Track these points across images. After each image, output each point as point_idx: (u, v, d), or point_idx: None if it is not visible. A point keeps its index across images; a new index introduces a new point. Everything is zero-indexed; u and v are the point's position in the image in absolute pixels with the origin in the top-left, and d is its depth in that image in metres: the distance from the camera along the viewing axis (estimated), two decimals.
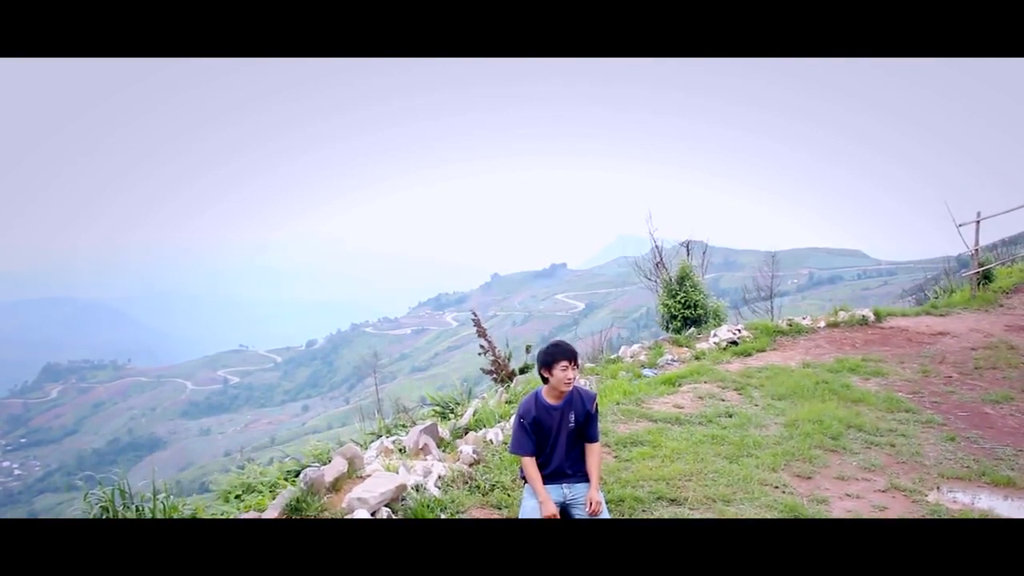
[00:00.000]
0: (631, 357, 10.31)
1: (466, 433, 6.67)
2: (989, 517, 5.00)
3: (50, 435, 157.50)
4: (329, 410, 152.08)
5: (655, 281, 12.70)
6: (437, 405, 9.46)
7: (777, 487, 5.47)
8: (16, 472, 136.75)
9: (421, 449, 5.82)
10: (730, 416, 7.35)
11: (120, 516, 5.63)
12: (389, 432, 9.04)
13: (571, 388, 4.33)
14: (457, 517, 4.84)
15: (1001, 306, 12.95)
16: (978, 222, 13.61)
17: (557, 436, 4.40)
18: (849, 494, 5.40)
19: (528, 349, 10.27)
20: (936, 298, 14.81)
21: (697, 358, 10.16)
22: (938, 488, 5.54)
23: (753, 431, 6.84)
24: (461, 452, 5.79)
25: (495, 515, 5.00)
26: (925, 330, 11.37)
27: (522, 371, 9.55)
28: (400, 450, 6.12)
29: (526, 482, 4.39)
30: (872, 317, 12.07)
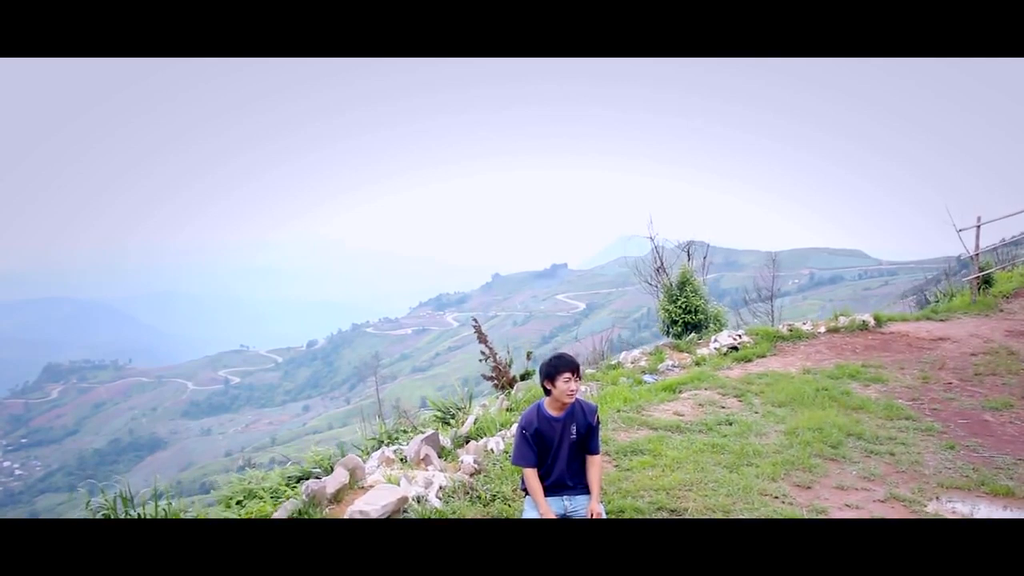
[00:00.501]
0: (632, 363, 10.33)
1: (467, 442, 6.70)
2: None
3: (51, 435, 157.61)
4: (330, 410, 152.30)
5: (656, 286, 12.72)
6: (438, 410, 9.48)
7: (777, 497, 5.49)
8: (17, 472, 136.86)
9: (422, 459, 5.85)
10: (730, 424, 7.37)
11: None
12: (390, 438, 9.07)
13: (573, 400, 4.35)
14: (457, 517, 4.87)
15: (1001, 311, 12.96)
16: (978, 227, 13.62)
17: (559, 448, 4.42)
18: (848, 504, 5.42)
19: (529, 355, 10.30)
20: (936, 302, 14.83)
21: (698, 364, 10.18)
22: (937, 498, 5.56)
23: (753, 439, 6.86)
24: (462, 462, 5.81)
25: None
26: (925, 335, 11.38)
27: (523, 377, 9.56)
28: (401, 459, 6.14)
29: (527, 493, 4.41)
30: (872, 322, 12.09)
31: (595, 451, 4.50)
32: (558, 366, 4.28)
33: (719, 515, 5.14)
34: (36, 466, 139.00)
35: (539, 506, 4.25)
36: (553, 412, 4.39)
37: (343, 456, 8.81)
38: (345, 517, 4.59)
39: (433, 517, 4.87)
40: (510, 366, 9.60)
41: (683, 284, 12.01)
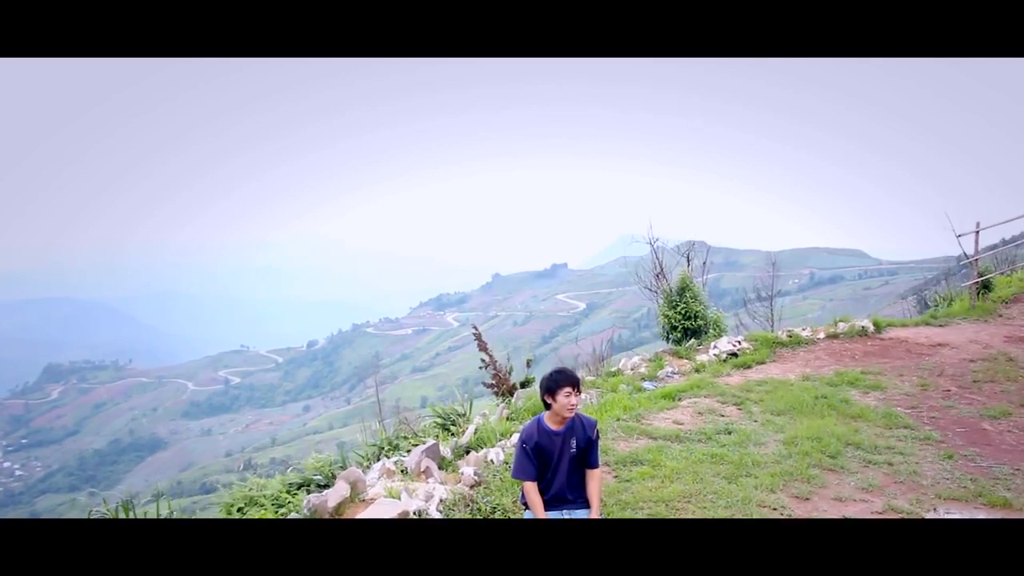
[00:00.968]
0: (631, 370, 10.36)
1: (467, 452, 6.72)
2: None
3: (51, 436, 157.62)
4: (330, 410, 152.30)
5: (655, 291, 12.76)
6: (439, 416, 9.50)
7: (775, 509, 5.52)
8: (17, 473, 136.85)
9: (423, 472, 5.88)
10: (729, 433, 7.39)
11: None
12: (391, 444, 9.10)
13: (573, 414, 4.37)
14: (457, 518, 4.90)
15: (1000, 316, 12.99)
16: (977, 232, 13.65)
17: (559, 462, 4.44)
18: (846, 516, 5.45)
19: (529, 362, 10.33)
20: (935, 307, 14.86)
21: (697, 370, 10.22)
22: (935, 509, 5.58)
23: (752, 449, 6.89)
24: (463, 474, 5.84)
25: None
26: (924, 341, 11.42)
27: (523, 385, 9.59)
28: (402, 471, 6.17)
29: (527, 507, 4.44)
30: (872, 328, 12.12)
31: (594, 465, 4.53)
32: (559, 381, 4.31)
33: None
34: (36, 466, 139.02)
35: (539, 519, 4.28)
36: (553, 426, 4.41)
37: (344, 463, 8.87)
38: None
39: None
40: (510, 373, 9.63)
41: (683, 290, 12.04)
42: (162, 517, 6.96)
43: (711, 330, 12.13)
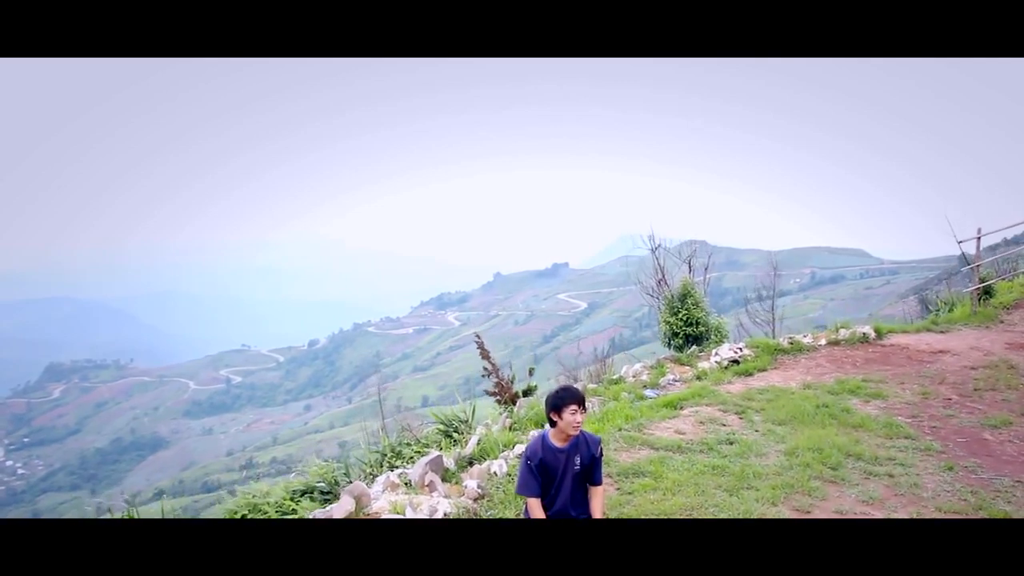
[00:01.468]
0: (633, 377, 10.40)
1: (470, 464, 6.76)
2: None
3: (53, 435, 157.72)
4: (332, 409, 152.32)
5: (657, 297, 12.79)
6: (442, 423, 9.53)
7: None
8: (20, 471, 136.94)
9: (427, 485, 5.91)
10: (731, 443, 7.43)
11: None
12: (395, 451, 9.13)
13: (578, 432, 4.41)
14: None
15: (1002, 322, 13.00)
16: (978, 238, 13.66)
17: (563, 478, 4.48)
18: None
19: (531, 371, 10.36)
20: (937, 312, 14.87)
21: (699, 378, 10.25)
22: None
23: (754, 460, 6.92)
24: (466, 487, 5.88)
25: None
26: (925, 348, 11.44)
27: (525, 393, 9.62)
28: (406, 483, 6.21)
29: None
30: (873, 334, 12.13)
31: (598, 482, 4.56)
32: (565, 398, 4.34)
33: None
34: (38, 465, 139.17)
35: None
36: (558, 443, 4.45)
37: (347, 469, 8.92)
38: None
39: None
40: (512, 382, 9.66)
41: (684, 296, 12.06)
42: (164, 518, 6.98)
43: (712, 336, 12.16)
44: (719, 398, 9.16)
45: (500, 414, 8.98)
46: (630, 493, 6.16)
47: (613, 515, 5.62)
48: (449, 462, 6.77)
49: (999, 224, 14.23)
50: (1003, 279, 15.41)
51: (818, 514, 5.78)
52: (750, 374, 10.42)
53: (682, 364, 10.97)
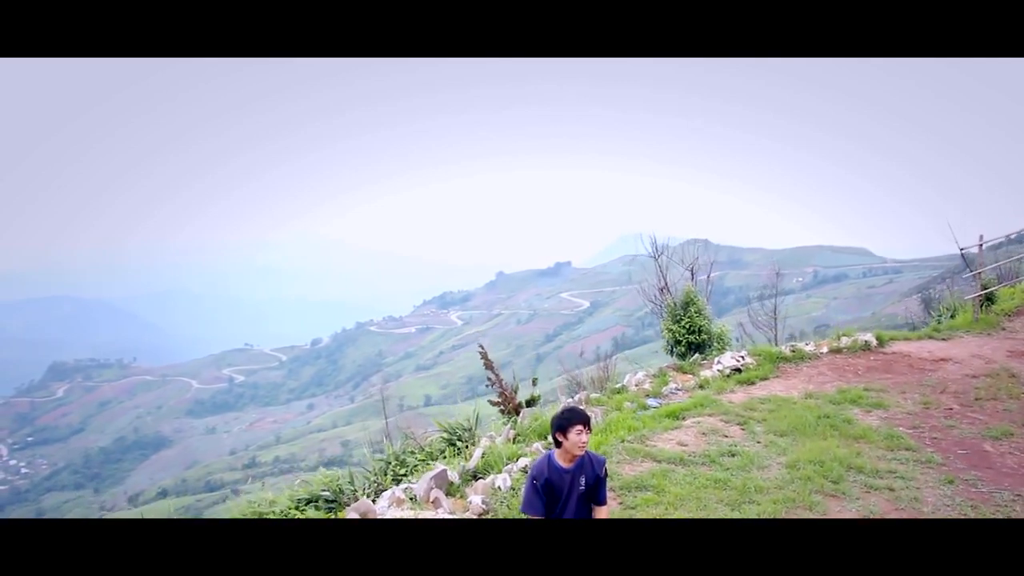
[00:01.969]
0: (636, 386, 10.45)
1: (475, 477, 6.81)
2: None
3: (56, 434, 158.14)
4: (334, 408, 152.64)
5: (660, 305, 12.84)
6: (446, 431, 9.59)
7: None
8: (23, 470, 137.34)
9: (432, 501, 5.97)
10: (733, 455, 7.48)
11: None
12: (399, 460, 9.19)
13: (583, 452, 4.46)
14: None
15: (1003, 329, 13.03)
16: (980, 245, 13.70)
17: (567, 498, 4.53)
18: None
19: (535, 382, 10.41)
20: (939, 318, 14.90)
21: (701, 387, 10.30)
22: None
23: (755, 473, 6.97)
24: (470, 502, 5.94)
25: None
26: (927, 356, 11.48)
27: (528, 403, 9.68)
28: (411, 499, 6.27)
29: None
30: (875, 342, 12.17)
31: (602, 502, 4.61)
32: (571, 419, 4.39)
33: None
34: (42, 464, 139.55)
35: None
36: (564, 463, 4.50)
37: (351, 478, 8.98)
38: None
39: None
40: (516, 392, 9.72)
41: (687, 304, 12.12)
42: (167, 518, 7.02)
43: (715, 344, 12.21)
44: (721, 408, 9.21)
45: (504, 424, 9.03)
46: (633, 508, 6.21)
47: None
48: (453, 475, 6.83)
49: (999, 224, 14.31)
50: (1006, 285, 15.42)
51: None
52: (752, 383, 10.47)
53: (684, 372, 11.02)
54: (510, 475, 6.69)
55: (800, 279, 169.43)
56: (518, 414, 9.31)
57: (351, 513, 5.42)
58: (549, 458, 4.56)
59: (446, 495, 6.25)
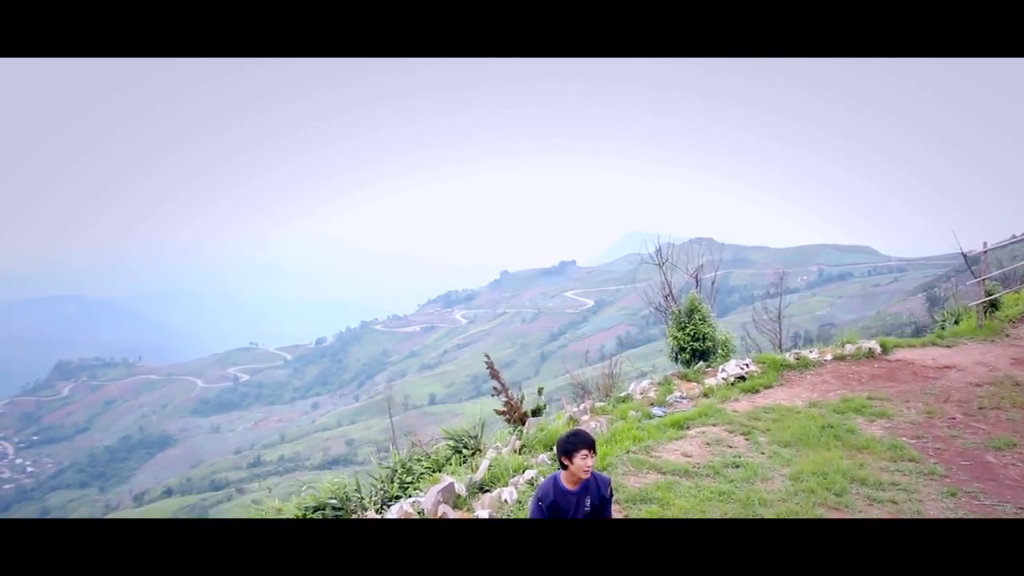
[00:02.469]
0: (641, 394, 10.51)
1: (481, 489, 6.88)
2: None
3: (62, 432, 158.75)
4: (339, 407, 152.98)
5: (665, 313, 12.90)
6: (452, 439, 9.67)
7: None
8: (29, 469, 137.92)
9: (440, 516, 6.04)
10: (737, 467, 7.53)
11: None
12: (405, 468, 9.27)
13: (588, 475, 4.52)
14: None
15: (1008, 336, 13.04)
16: (985, 252, 13.71)
17: (573, 519, 4.60)
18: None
19: (540, 391, 10.48)
20: (943, 323, 14.92)
21: (706, 395, 10.35)
22: None
23: (759, 485, 7.02)
24: (477, 516, 6.00)
25: None
26: (931, 363, 11.51)
27: (535, 413, 9.75)
28: (419, 513, 6.34)
29: None
30: (879, 349, 12.21)
31: None
32: (576, 443, 4.45)
33: None
34: (48, 463, 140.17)
35: None
36: (569, 486, 4.56)
37: (358, 486, 9.06)
38: None
39: None
40: (522, 401, 9.79)
41: (691, 311, 12.17)
42: (170, 518, 7.09)
43: (719, 351, 12.26)
44: (725, 417, 9.26)
45: (510, 434, 9.10)
46: None
47: None
48: (460, 488, 6.90)
49: (999, 223, 14.33)
50: (1010, 291, 15.40)
51: None
52: (756, 391, 10.52)
53: (689, 380, 11.08)
54: (516, 488, 6.76)
55: (805, 278, 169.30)
56: (524, 424, 9.37)
57: None
58: (555, 480, 4.62)
59: (453, 508, 6.32)
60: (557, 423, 9.18)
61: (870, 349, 12.18)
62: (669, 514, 6.34)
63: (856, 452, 7.93)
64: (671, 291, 12.88)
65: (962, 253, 14.00)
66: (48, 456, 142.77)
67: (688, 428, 8.96)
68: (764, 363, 11.52)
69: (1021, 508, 6.58)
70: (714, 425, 9.04)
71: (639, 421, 9.21)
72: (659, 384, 10.89)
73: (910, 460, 7.74)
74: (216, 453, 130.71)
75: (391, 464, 9.46)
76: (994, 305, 14.06)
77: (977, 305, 13.91)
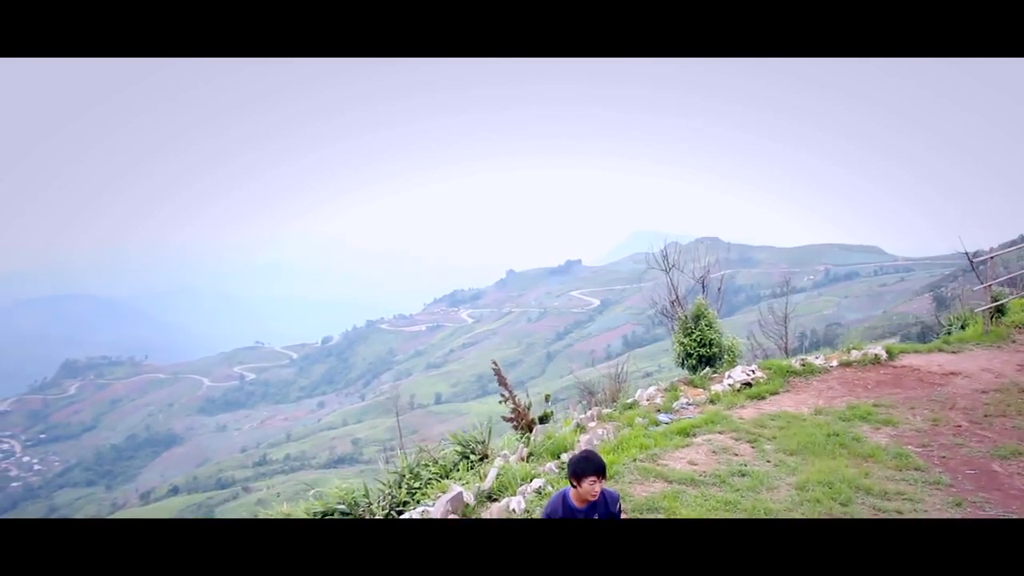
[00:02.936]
0: (647, 401, 10.55)
1: (489, 498, 6.94)
2: None
3: (69, 431, 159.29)
4: (345, 406, 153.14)
5: (671, 318, 12.95)
6: (459, 444, 9.72)
7: None
8: (36, 467, 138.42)
9: None
10: (743, 475, 7.56)
11: None
12: (412, 473, 9.33)
13: (596, 497, 4.58)
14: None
15: (1014, 342, 13.03)
16: (991, 257, 13.71)
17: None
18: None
19: (547, 398, 10.53)
20: (949, 328, 14.90)
21: (712, 402, 10.38)
22: None
23: (765, 494, 7.06)
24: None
25: None
26: (937, 369, 11.52)
27: (542, 420, 9.80)
28: None
29: None
30: (884, 355, 12.22)
31: None
32: (586, 469, 4.50)
33: None
34: (55, 461, 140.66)
35: None
36: (577, 504, 4.62)
37: (366, 491, 9.12)
38: None
39: None
40: (529, 408, 9.84)
41: (698, 317, 12.21)
42: (176, 518, 7.15)
43: (726, 356, 12.30)
44: (731, 425, 9.30)
45: (517, 440, 9.16)
46: None
47: None
48: (469, 497, 6.96)
49: (999, 223, 14.38)
50: (1016, 297, 15.36)
51: None
52: (762, 397, 10.54)
53: (695, 387, 11.12)
54: (524, 497, 6.81)
55: (811, 277, 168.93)
56: (531, 430, 9.43)
57: None
58: (564, 497, 4.68)
59: (461, 517, 6.38)
60: (564, 431, 9.23)
61: (876, 355, 12.19)
62: None
63: (862, 460, 7.95)
64: (677, 296, 12.93)
65: (967, 256, 13.99)
66: (55, 454, 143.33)
67: (694, 435, 9.00)
68: (770, 369, 11.55)
69: None
70: (720, 432, 9.08)
71: (646, 428, 9.25)
72: (665, 390, 10.94)
73: (916, 469, 7.77)
74: (222, 452, 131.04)
75: (398, 468, 9.53)
76: (1000, 310, 14.05)
77: (983, 310, 13.91)
